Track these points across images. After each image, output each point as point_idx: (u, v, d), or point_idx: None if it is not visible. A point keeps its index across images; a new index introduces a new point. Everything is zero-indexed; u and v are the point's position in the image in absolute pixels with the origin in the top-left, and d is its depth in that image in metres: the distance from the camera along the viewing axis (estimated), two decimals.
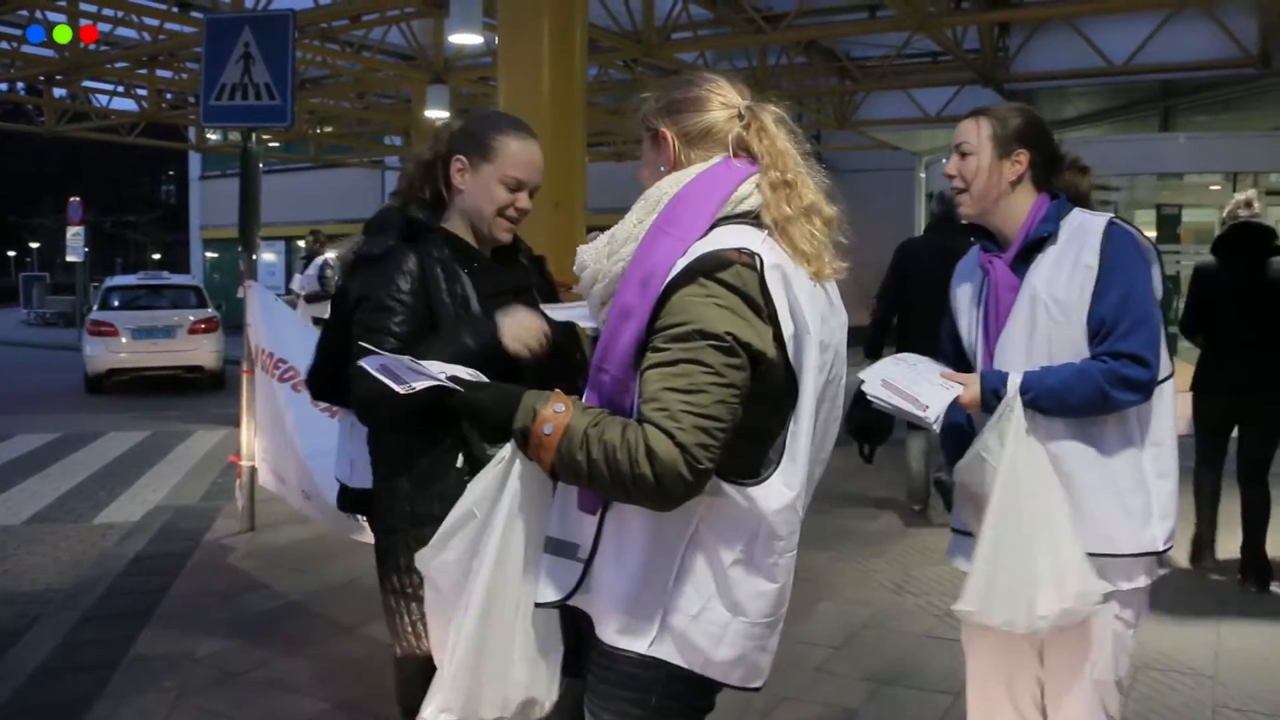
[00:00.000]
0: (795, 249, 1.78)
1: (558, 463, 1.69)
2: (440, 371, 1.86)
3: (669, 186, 1.82)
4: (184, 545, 6.24)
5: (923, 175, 17.67)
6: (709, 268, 1.68)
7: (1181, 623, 4.77)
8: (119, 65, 14.44)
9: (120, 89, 17.48)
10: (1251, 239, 5.40)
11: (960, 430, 2.51)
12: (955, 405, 2.39)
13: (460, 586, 1.85)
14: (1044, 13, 11.73)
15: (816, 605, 5.11)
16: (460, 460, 2.36)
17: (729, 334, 1.65)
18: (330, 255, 11.38)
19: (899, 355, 2.61)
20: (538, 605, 1.85)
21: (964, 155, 2.54)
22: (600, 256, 1.83)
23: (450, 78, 13.22)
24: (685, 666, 1.79)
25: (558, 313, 2.33)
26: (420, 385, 1.84)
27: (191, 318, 15.04)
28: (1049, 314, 2.39)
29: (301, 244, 30.58)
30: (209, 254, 33.64)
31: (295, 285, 11.77)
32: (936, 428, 2.35)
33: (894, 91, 15.52)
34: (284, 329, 5.74)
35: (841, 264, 1.87)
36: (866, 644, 4.64)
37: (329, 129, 21.39)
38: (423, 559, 1.89)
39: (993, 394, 2.38)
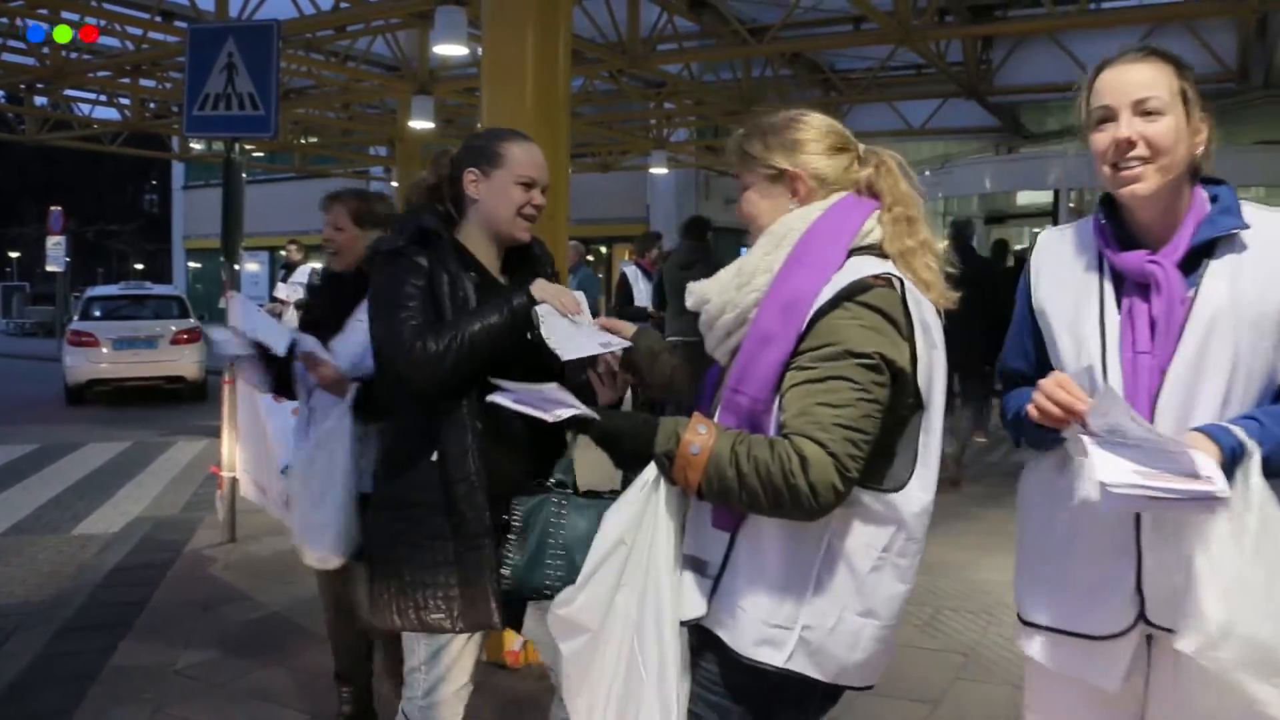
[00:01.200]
0: (918, 277, 1.94)
1: (705, 482, 1.79)
2: (574, 402, 1.99)
3: (797, 222, 1.95)
4: (164, 556, 6.20)
5: None
6: (854, 292, 1.82)
7: None
8: (102, 74, 14.37)
9: (103, 98, 17.39)
10: None
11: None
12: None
13: (605, 616, 1.91)
14: (1026, 26, 11.80)
15: None
16: (436, 455, 2.46)
17: (876, 353, 1.78)
18: (317, 265, 11.66)
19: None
20: (682, 623, 1.91)
21: (1151, 114, 1.90)
22: (728, 288, 1.93)
23: (435, 88, 13.20)
24: (818, 678, 1.87)
25: (565, 342, 2.31)
26: (564, 414, 1.96)
27: (174, 328, 14.96)
28: (1244, 336, 1.84)
29: (283, 254, 30.61)
30: (192, 264, 33.50)
31: (281, 293, 11.72)
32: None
33: (878, 104, 15.58)
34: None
35: (953, 294, 1.99)
36: None
37: (313, 139, 21.32)
38: (565, 601, 1.94)
39: (1231, 455, 1.74)
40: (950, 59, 12.90)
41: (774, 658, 1.85)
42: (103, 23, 12.17)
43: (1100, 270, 1.98)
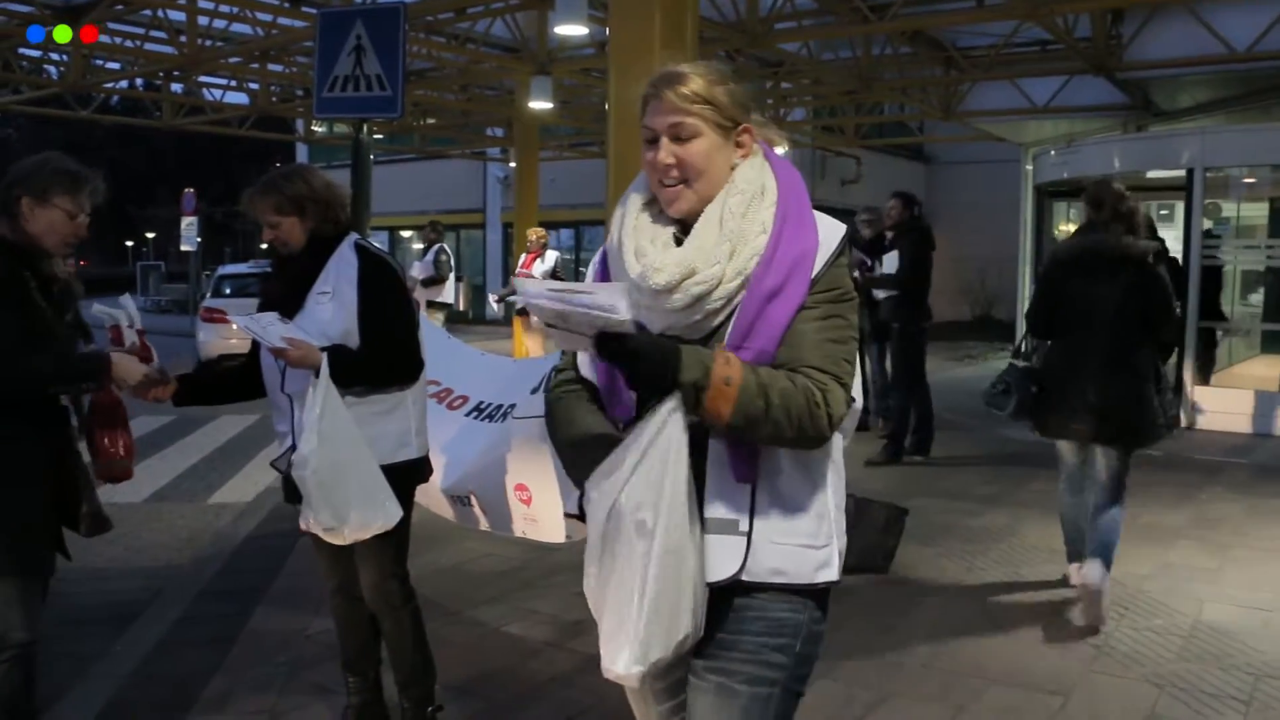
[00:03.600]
0: None
1: (734, 413, 1.80)
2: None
3: (763, 179, 1.99)
4: (293, 526, 6.36)
5: (1029, 168, 17.20)
6: (845, 246, 1.99)
7: None
8: (233, 60, 14.85)
9: (233, 83, 17.97)
10: None
11: None
12: None
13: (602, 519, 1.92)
14: None
15: (922, 601, 5.04)
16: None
17: (854, 293, 1.98)
18: (444, 245, 12.65)
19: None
20: (710, 584, 1.92)
21: None
22: (718, 255, 1.91)
23: (554, 69, 13.30)
24: (837, 579, 2.03)
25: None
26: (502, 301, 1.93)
27: None
28: None
29: (405, 234, 31.23)
30: None
31: (415, 272, 12.30)
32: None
33: (1001, 82, 15.18)
34: None
35: None
36: (973, 641, 4.56)
37: (432, 121, 21.70)
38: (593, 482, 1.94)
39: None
40: (1078, 34, 12.48)
41: (832, 574, 2.00)
42: (234, 9, 12.57)
43: None
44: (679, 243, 1.97)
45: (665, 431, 1.83)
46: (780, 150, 2.12)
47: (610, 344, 1.81)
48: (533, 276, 11.93)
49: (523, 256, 12.76)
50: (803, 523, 1.96)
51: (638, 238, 2.01)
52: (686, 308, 1.91)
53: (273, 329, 3.12)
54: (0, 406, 2.97)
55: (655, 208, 2.05)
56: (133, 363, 3.20)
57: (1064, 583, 5.21)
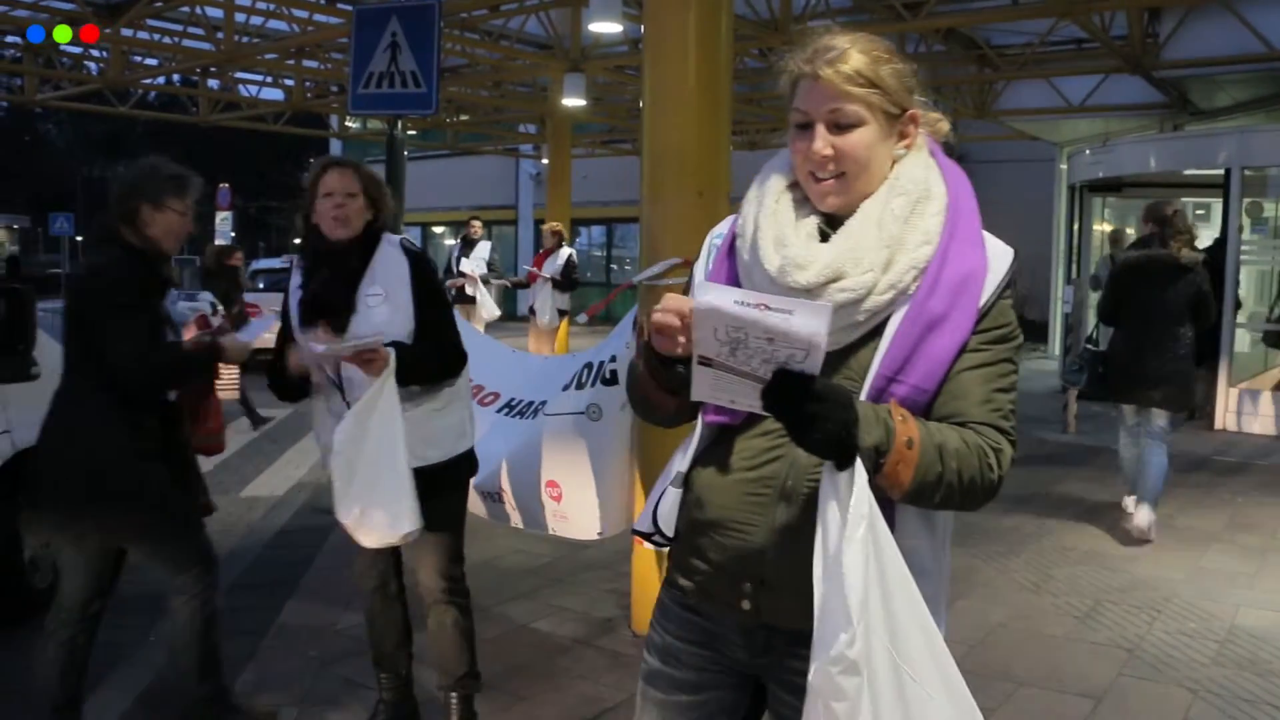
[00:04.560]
0: None
1: (915, 478, 1.55)
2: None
3: (930, 181, 1.72)
4: (325, 520, 6.40)
5: (1064, 167, 17.06)
6: (1014, 274, 1.73)
7: None
8: (269, 56, 14.96)
9: (268, 79, 18.10)
10: None
11: None
12: None
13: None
14: None
15: (953, 603, 5.00)
16: None
17: (1020, 334, 1.75)
18: (488, 242, 12.41)
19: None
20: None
21: None
22: (873, 262, 1.64)
23: (587, 66, 13.31)
24: None
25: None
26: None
27: None
28: None
29: (438, 230, 31.32)
30: None
31: (466, 268, 11.78)
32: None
33: (1035, 80, 15.06)
34: None
35: None
36: (1004, 643, 4.54)
37: (465, 117, 21.77)
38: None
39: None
40: (1114, 32, 12.36)
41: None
42: (271, 6, 12.66)
43: None
44: (824, 238, 1.70)
45: (864, 514, 1.49)
46: (944, 130, 1.83)
47: (790, 389, 1.47)
48: (542, 276, 11.66)
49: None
50: (924, 585, 1.59)
51: (779, 224, 1.73)
52: (837, 314, 1.60)
53: (338, 344, 3.08)
54: (132, 401, 3.19)
55: (798, 193, 1.76)
56: (236, 342, 3.45)
57: (1121, 508, 6.73)
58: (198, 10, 13.15)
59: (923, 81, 1.80)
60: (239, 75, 17.77)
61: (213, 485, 7.67)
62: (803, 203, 1.75)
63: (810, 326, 1.42)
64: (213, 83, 18.25)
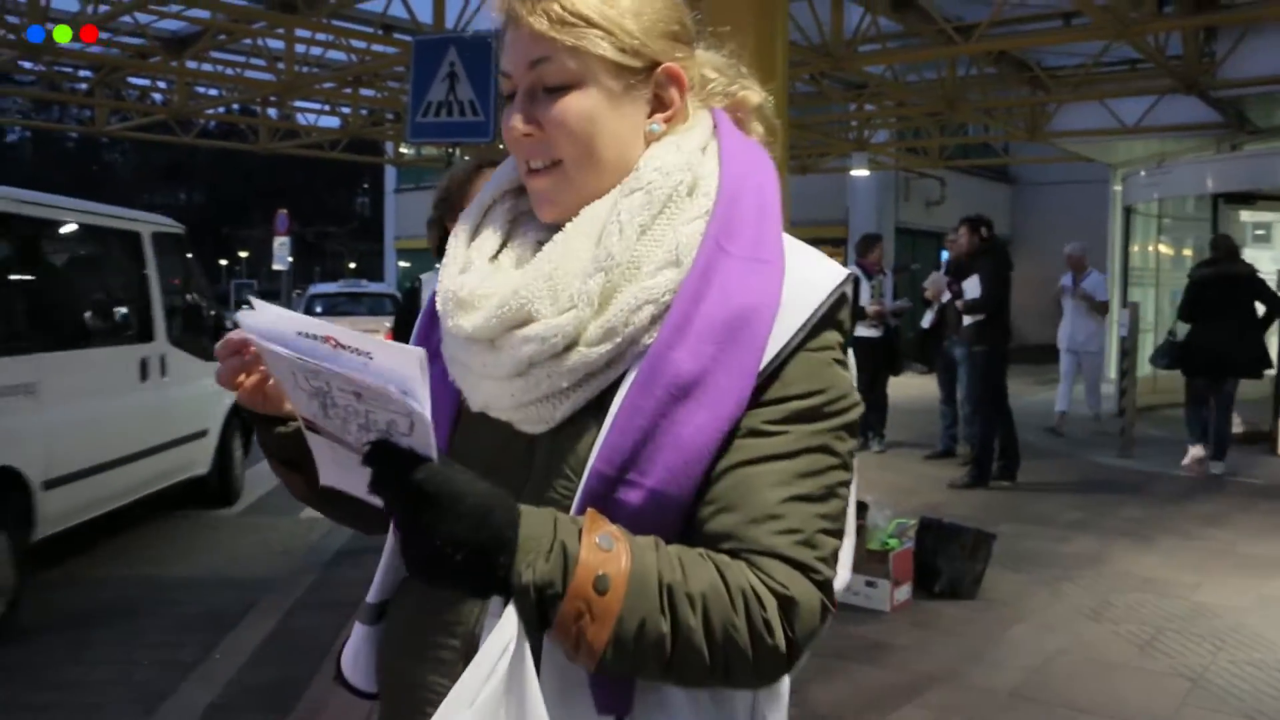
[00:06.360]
0: None
1: (614, 642, 0.95)
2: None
3: (694, 163, 1.13)
4: (383, 542, 6.55)
5: (1118, 188, 16.90)
6: (837, 310, 1.11)
7: None
8: (327, 85, 15.25)
9: (326, 107, 18.45)
10: None
11: None
12: None
13: None
14: (1256, 14, 11.10)
15: (1009, 629, 4.99)
16: None
17: (852, 404, 1.10)
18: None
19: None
20: None
21: None
22: (584, 297, 1.06)
23: None
24: None
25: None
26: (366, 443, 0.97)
27: (387, 324, 15.75)
28: None
29: None
30: (402, 263, 35.07)
31: None
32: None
33: (1089, 102, 14.95)
34: None
35: None
36: (1063, 671, 4.50)
37: None
38: None
39: None
40: (1169, 52, 12.26)
41: None
42: (330, 36, 12.93)
43: None
44: None
45: (501, 680, 0.94)
46: (750, 100, 1.27)
47: (386, 476, 0.94)
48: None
49: None
50: None
51: (474, 244, 1.19)
52: (517, 375, 1.08)
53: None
54: None
55: (525, 201, 1.21)
56: None
57: (1184, 455, 8.94)
58: (259, 42, 13.46)
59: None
60: (297, 104, 18.12)
61: (272, 506, 7.90)
62: (528, 216, 1.21)
63: (395, 378, 0.91)
64: (272, 111, 18.63)
